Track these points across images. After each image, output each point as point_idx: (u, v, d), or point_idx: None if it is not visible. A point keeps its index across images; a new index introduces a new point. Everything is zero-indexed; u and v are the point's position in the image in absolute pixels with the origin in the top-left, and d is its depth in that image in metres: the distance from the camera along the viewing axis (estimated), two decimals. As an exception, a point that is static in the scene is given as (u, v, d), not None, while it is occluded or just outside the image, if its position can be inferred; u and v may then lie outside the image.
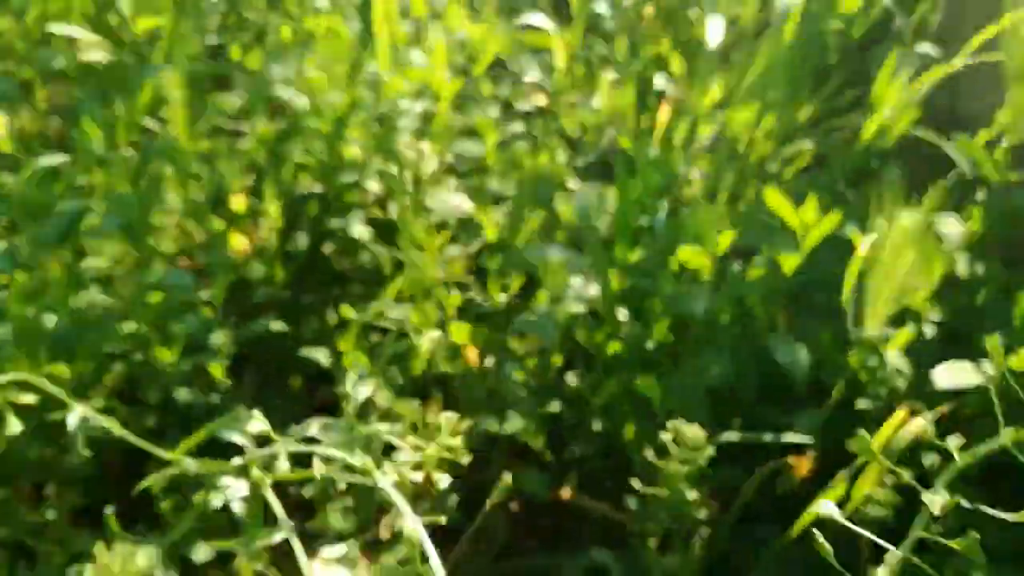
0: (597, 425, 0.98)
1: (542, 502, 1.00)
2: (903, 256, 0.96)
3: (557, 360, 1.03)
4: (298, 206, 1.09)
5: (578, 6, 1.36)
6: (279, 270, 1.06)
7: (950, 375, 0.90)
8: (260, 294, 0.99)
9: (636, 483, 0.76)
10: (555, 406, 1.00)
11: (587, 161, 1.30)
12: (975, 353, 0.98)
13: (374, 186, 1.08)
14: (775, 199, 1.10)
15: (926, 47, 1.34)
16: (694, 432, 0.69)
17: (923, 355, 0.99)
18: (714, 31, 1.29)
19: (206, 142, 1.11)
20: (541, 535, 1.00)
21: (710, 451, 0.71)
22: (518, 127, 1.29)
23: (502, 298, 1.01)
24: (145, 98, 1.03)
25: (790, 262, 1.01)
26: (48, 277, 0.81)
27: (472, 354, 0.99)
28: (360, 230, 1.01)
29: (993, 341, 0.86)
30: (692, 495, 0.71)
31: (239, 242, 0.98)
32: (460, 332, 0.99)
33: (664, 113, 1.30)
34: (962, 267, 1.06)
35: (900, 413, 0.88)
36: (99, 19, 1.10)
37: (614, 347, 0.99)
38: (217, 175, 1.03)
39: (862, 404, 0.98)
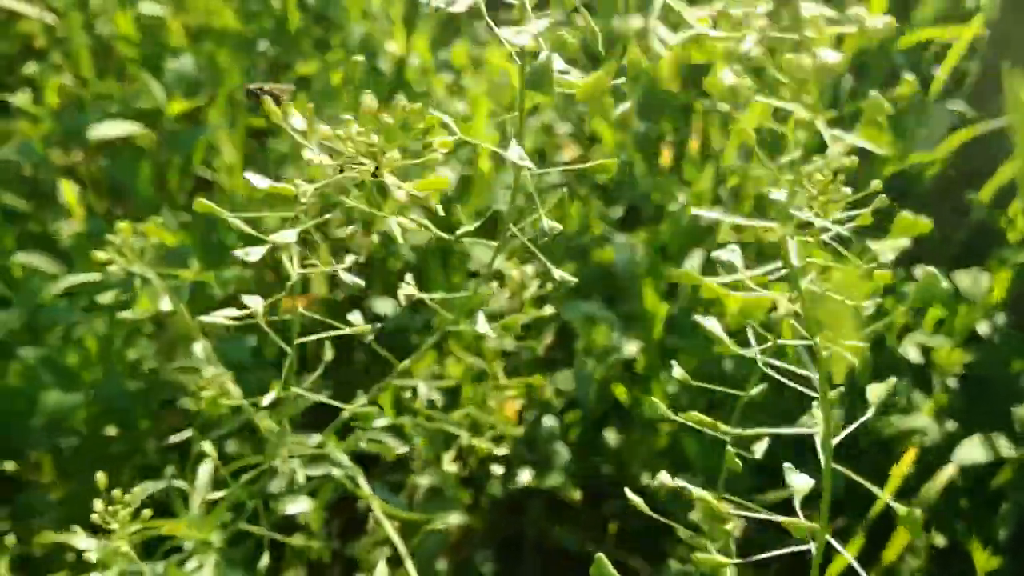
0: (634, 482, 1.00)
1: (577, 555, 1.02)
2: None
3: (595, 414, 1.05)
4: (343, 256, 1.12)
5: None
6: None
7: (971, 451, 0.92)
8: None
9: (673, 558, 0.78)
10: (593, 461, 1.02)
11: (620, 211, 1.32)
12: (1005, 417, 0.99)
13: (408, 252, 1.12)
14: (814, 253, 1.12)
15: (959, 104, 1.36)
16: (720, 508, 0.71)
17: (952, 416, 1.01)
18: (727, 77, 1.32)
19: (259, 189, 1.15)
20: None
21: (738, 524, 0.73)
22: (554, 178, 1.32)
23: (540, 350, 1.04)
24: (199, 153, 1.07)
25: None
26: (105, 337, 0.84)
27: (511, 408, 1.01)
28: (387, 306, 1.04)
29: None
30: (726, 569, 0.73)
31: (289, 301, 1.01)
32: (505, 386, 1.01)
33: (666, 159, 1.33)
34: (984, 327, 1.08)
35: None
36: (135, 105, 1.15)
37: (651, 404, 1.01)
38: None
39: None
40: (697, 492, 0.63)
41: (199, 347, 0.57)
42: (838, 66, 0.29)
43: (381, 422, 0.70)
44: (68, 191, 0.92)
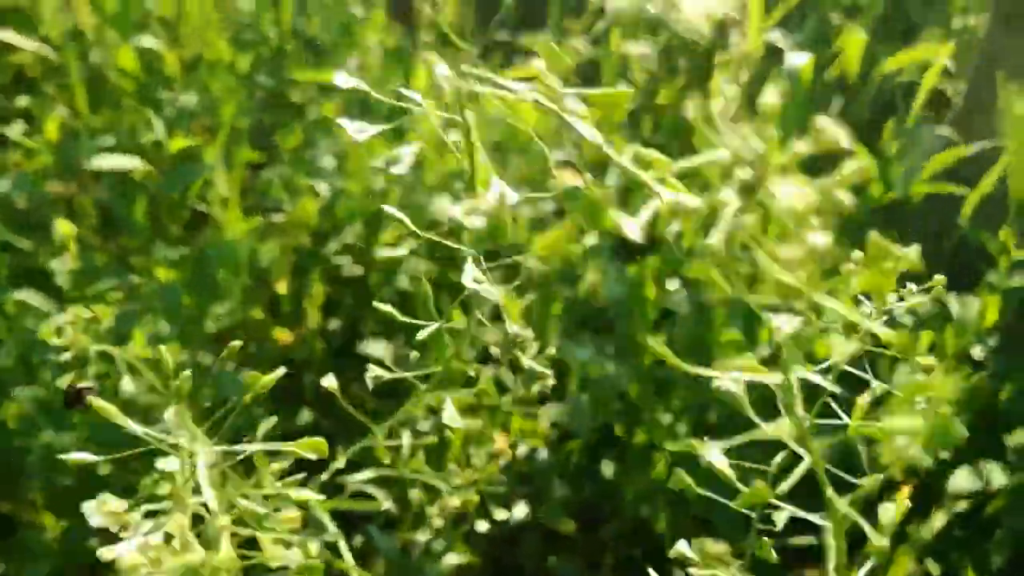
0: (630, 512, 1.01)
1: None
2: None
3: (590, 444, 1.05)
4: (338, 288, 1.13)
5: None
6: (318, 350, 1.10)
7: (966, 479, 0.92)
8: (304, 382, 1.03)
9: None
10: (588, 492, 1.02)
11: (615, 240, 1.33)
12: (999, 445, 1.00)
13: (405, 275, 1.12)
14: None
15: (944, 129, 1.37)
16: (717, 549, 0.71)
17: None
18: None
19: (252, 221, 1.15)
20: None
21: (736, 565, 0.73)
22: (549, 205, 1.32)
23: (535, 388, 1.04)
24: (196, 187, 1.07)
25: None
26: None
27: (503, 441, 1.01)
28: (380, 349, 1.05)
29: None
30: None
31: (282, 333, 1.02)
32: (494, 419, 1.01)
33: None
34: (977, 351, 1.08)
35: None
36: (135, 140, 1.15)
37: (645, 436, 1.01)
38: (262, 259, 1.07)
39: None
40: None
41: (171, 412, 0.56)
42: (828, 248, 0.29)
43: (367, 474, 0.70)
44: (65, 228, 0.92)
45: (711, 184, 0.31)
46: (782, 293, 0.31)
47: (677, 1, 1.43)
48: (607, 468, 1.03)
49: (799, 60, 1.34)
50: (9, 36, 1.38)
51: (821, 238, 0.29)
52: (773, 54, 1.54)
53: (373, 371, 0.60)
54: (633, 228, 0.31)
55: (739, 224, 0.30)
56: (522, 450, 1.03)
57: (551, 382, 0.90)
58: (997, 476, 0.92)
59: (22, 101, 1.39)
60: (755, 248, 0.30)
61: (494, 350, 0.78)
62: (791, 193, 0.29)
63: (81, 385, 0.58)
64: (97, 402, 0.47)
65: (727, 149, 0.30)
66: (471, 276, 0.46)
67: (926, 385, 0.40)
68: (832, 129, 0.30)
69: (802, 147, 0.30)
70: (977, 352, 1.07)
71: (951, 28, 1.75)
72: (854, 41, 1.41)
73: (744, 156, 0.30)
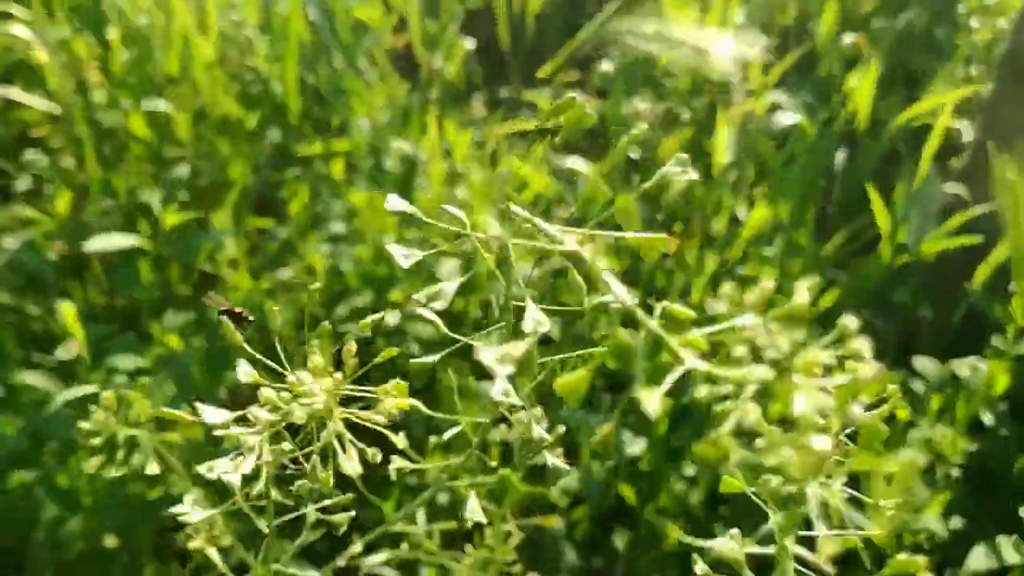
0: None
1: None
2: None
3: (601, 512, 1.04)
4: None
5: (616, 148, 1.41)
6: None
7: (984, 558, 0.91)
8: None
9: None
10: (598, 562, 1.01)
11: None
12: (1012, 513, 0.99)
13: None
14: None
15: (954, 185, 1.37)
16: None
17: (956, 515, 1.00)
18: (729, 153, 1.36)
19: (261, 283, 1.15)
20: None
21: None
22: (555, 263, 1.32)
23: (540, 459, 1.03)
24: (203, 257, 1.07)
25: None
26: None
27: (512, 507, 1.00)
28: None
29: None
30: None
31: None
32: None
33: (672, 244, 1.33)
34: (988, 418, 1.08)
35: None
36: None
37: (658, 504, 1.00)
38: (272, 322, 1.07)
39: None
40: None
41: (190, 499, 0.55)
42: (828, 453, 0.29)
43: (380, 557, 0.69)
44: (69, 313, 0.91)
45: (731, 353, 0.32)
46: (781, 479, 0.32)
47: (706, 48, 1.45)
48: (619, 538, 1.02)
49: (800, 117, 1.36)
50: (15, 93, 1.39)
51: (824, 442, 0.29)
52: (776, 108, 1.55)
53: (396, 463, 0.60)
54: (653, 403, 0.31)
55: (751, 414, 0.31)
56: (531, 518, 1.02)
57: (559, 451, 0.89)
58: (1012, 553, 0.91)
59: (29, 155, 1.39)
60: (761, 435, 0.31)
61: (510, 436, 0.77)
62: (806, 397, 0.29)
63: (231, 308, 0.60)
64: (232, 334, 0.47)
65: (754, 340, 0.30)
66: (500, 391, 0.45)
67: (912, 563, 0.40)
68: (857, 337, 0.31)
69: (824, 354, 0.31)
70: (987, 419, 1.07)
71: (954, 77, 1.76)
72: (864, 87, 1.42)
73: (767, 353, 0.31)
